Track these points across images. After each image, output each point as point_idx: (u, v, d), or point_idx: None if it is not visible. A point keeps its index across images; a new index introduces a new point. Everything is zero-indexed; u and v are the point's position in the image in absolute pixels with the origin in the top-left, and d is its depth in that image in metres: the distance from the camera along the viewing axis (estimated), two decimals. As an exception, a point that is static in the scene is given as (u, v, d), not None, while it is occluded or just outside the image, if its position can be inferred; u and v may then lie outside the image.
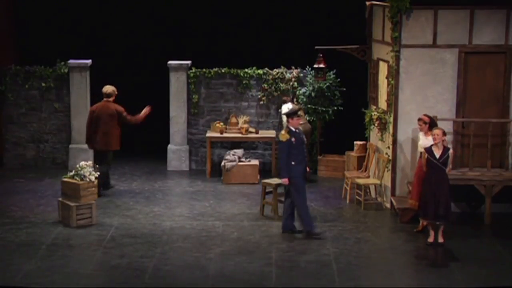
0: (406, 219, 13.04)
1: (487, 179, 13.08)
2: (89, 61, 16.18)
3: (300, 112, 12.58)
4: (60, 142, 16.41)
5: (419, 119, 12.86)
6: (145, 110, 14.71)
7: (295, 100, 15.99)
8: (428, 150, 12.06)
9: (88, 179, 12.81)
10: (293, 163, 12.22)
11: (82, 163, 13.06)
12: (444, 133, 12.13)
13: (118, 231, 12.58)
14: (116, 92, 14.67)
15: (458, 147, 13.46)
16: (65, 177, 13.04)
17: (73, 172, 12.98)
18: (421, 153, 12.58)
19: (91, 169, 12.91)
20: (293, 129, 12.33)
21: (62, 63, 16.22)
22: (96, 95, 16.50)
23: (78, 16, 17.06)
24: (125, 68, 17.15)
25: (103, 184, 14.44)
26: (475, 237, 12.51)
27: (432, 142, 12.12)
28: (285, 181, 12.30)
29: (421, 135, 12.90)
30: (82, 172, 12.85)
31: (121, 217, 13.25)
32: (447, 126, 13.09)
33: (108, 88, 14.60)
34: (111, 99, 14.60)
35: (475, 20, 13.29)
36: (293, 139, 12.25)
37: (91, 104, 16.24)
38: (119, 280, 10.71)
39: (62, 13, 17.05)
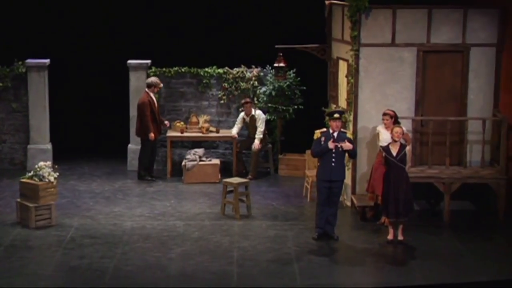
0: (366, 217, 13.14)
1: (446, 177, 13.22)
2: (47, 61, 16.01)
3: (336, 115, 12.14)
4: (18, 142, 16.22)
5: (385, 114, 12.93)
6: (152, 136, 15.26)
7: (255, 99, 16.05)
8: (385, 148, 12.16)
9: (47, 180, 12.69)
10: (318, 164, 12.13)
11: (41, 163, 12.93)
12: (403, 131, 12.27)
13: (78, 231, 12.47)
14: (156, 83, 15.33)
15: (417, 145, 13.59)
16: (23, 178, 12.90)
17: (32, 172, 12.84)
18: (381, 146, 12.68)
19: (50, 170, 12.78)
20: (330, 131, 12.13)
21: (20, 62, 16.02)
22: (55, 95, 16.39)
23: (35, 15, 16.86)
24: (84, 67, 17.01)
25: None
26: (434, 234, 12.63)
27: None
28: (331, 144, 11.97)
29: (382, 129, 12.99)
30: (41, 172, 12.72)
31: (81, 218, 13.14)
32: (406, 125, 13.21)
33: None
34: (148, 89, 15.32)
35: (432, 20, 13.43)
36: (322, 139, 12.11)
37: (50, 103, 16.13)
38: (79, 281, 10.62)
39: (20, 12, 16.84)
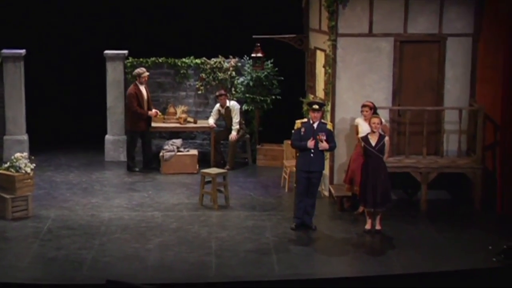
0: (344, 207, 13.18)
1: (422, 166, 13.29)
2: (23, 51, 15.89)
3: (315, 106, 12.15)
4: (-6, 133, 16.12)
5: (364, 105, 12.93)
6: (153, 112, 15.32)
7: (233, 89, 16.04)
8: (364, 138, 12.19)
9: (23, 171, 12.61)
10: (297, 154, 12.16)
11: (17, 154, 12.84)
12: (381, 122, 12.31)
13: (55, 223, 12.42)
14: (138, 73, 15.23)
15: (395, 135, 13.64)
16: (-1, 169, 12.84)
17: (8, 163, 12.76)
18: (359, 137, 12.70)
19: (26, 161, 12.70)
20: (311, 121, 12.16)
21: (-5, 53, 15.91)
22: (31, 86, 16.27)
23: (11, 5, 16.71)
24: (61, 57, 16.89)
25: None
26: (411, 223, 12.71)
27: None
28: (310, 144, 12.00)
29: (361, 121, 13.00)
30: (17, 163, 12.64)
31: (58, 209, 13.08)
32: (384, 114, 13.25)
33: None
34: (137, 81, 15.22)
35: (409, 10, 13.47)
36: (302, 130, 12.12)
37: (26, 94, 16.01)
38: (57, 273, 10.58)
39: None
